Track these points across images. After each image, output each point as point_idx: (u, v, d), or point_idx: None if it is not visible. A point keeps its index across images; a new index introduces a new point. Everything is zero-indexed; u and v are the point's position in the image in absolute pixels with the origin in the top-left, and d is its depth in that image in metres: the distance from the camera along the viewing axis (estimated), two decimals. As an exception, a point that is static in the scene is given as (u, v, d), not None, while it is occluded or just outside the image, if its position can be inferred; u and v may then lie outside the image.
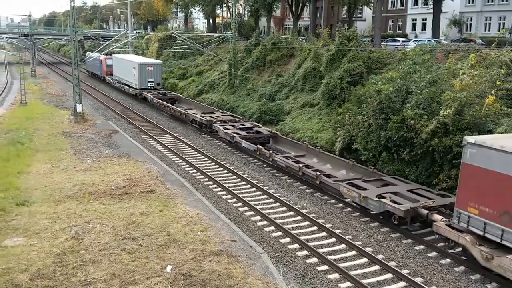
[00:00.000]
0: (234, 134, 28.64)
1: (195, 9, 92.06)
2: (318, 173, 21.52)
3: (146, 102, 45.82)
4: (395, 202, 17.25)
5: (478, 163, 13.99)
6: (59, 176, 21.83)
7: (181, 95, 47.08)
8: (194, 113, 35.86)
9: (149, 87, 46.88)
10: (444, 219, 15.69)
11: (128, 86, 49.80)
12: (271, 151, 25.32)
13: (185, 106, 41.18)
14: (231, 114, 36.56)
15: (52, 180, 21.20)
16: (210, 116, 34.00)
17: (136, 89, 47.33)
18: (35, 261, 13.41)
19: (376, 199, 17.63)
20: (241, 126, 31.04)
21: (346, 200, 19.93)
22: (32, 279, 12.41)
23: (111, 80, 57.34)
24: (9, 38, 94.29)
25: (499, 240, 13.45)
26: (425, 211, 16.54)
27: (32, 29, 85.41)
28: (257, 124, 32.67)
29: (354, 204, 19.39)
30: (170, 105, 40.14)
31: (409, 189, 18.78)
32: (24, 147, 26.80)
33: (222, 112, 36.86)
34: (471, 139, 14.38)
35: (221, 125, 30.97)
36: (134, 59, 49.44)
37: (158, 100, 42.16)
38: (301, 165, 22.73)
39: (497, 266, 13.37)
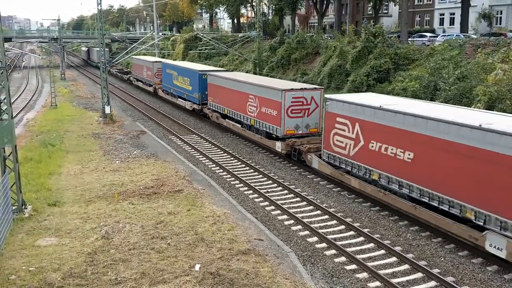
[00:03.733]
0: (117, 72, 72.03)
1: (219, 9, 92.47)
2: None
3: (173, 104, 46.33)
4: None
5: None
6: (89, 177, 22.24)
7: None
8: (116, 71, 76.58)
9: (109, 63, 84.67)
10: None
11: (93, 61, 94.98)
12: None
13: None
14: (126, 69, 76.32)
15: (82, 181, 21.62)
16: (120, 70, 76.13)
17: (95, 62, 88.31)
18: (67, 260, 13.68)
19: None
20: (121, 71, 73.99)
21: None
22: (64, 278, 12.66)
23: (89, 60, 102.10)
24: (39, 42, 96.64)
25: None
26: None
27: (61, 33, 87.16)
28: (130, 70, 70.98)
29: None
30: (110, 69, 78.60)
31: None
32: (55, 148, 27.39)
33: (126, 69, 76.93)
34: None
35: (116, 71, 73.91)
36: (95, 49, 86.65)
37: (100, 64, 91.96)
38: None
39: None
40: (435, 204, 16.15)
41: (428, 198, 16.46)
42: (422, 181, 16.67)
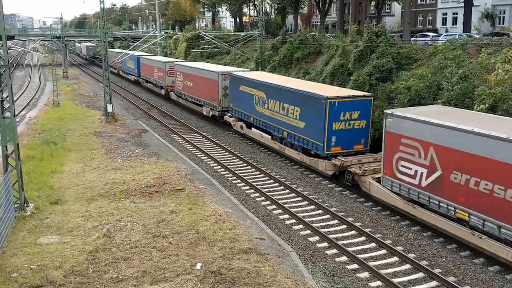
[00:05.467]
0: (98, 62, 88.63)
1: (222, 8, 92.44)
2: None
3: (174, 102, 46.39)
4: None
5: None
6: (91, 175, 22.27)
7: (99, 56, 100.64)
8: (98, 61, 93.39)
9: (93, 56, 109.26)
10: None
11: (83, 55, 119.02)
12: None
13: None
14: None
15: (84, 179, 21.65)
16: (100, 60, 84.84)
17: (85, 55, 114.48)
18: (69, 258, 13.72)
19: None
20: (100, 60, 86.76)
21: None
22: (66, 276, 12.69)
23: (80, 54, 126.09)
24: (41, 40, 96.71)
25: None
26: None
27: (63, 31, 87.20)
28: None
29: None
30: (94, 59, 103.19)
31: None
32: (57, 147, 27.43)
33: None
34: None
35: (98, 62, 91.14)
36: (85, 44, 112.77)
37: (87, 56, 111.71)
38: None
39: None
40: (198, 103, 38.56)
41: (197, 101, 38.64)
42: (194, 94, 39.20)
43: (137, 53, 62.06)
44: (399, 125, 17.52)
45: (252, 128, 29.52)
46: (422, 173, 16.55)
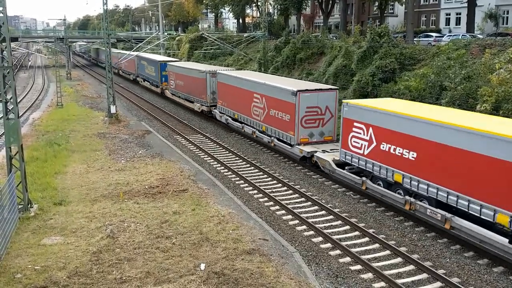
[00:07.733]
0: (88, 57, 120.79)
1: (225, 9, 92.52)
2: None
3: (177, 104, 46.49)
4: None
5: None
6: (94, 176, 22.31)
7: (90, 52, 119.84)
8: (87, 56, 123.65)
9: (84, 52, 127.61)
10: None
11: (77, 52, 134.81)
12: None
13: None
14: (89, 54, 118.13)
15: (87, 180, 21.69)
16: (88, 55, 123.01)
17: (79, 52, 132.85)
18: (72, 259, 13.74)
19: None
20: (88, 55, 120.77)
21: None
22: (69, 277, 12.70)
23: (75, 51, 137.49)
24: (45, 42, 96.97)
25: None
26: None
27: (67, 32, 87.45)
28: (91, 54, 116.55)
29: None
30: (84, 55, 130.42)
31: None
32: (60, 148, 27.49)
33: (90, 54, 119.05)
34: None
35: (87, 56, 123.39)
36: (78, 43, 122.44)
37: (80, 52, 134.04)
38: None
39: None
40: (129, 74, 70.07)
41: (128, 73, 70.61)
42: (128, 69, 69.19)
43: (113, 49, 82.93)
44: (171, 69, 45.33)
45: (145, 81, 57.59)
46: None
